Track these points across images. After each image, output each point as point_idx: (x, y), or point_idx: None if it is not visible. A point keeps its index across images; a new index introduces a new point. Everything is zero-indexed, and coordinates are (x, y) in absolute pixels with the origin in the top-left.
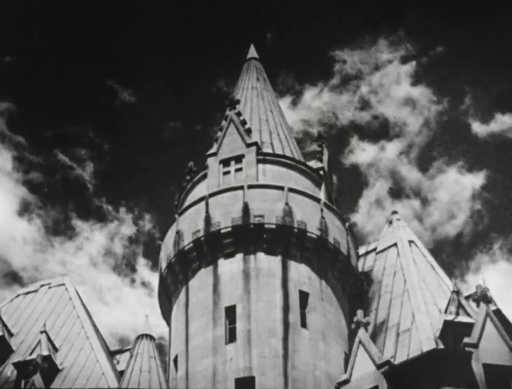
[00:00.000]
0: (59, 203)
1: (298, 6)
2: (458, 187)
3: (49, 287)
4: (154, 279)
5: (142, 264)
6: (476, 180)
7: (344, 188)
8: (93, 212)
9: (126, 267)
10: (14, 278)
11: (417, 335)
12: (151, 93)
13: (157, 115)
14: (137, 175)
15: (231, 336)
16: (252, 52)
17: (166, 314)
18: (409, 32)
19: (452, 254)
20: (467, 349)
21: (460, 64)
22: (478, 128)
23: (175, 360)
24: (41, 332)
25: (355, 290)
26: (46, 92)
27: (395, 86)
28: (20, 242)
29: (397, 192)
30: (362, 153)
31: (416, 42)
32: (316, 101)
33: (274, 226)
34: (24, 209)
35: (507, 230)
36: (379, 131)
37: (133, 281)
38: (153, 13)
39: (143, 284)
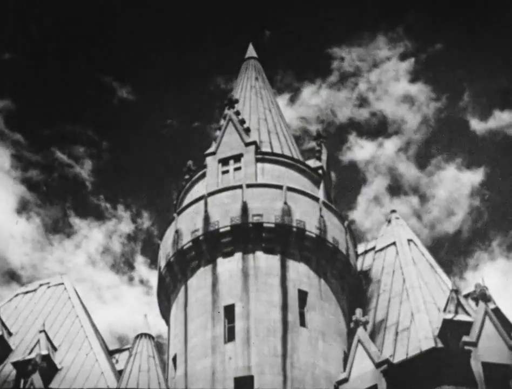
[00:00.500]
0: (57, 202)
1: (296, 3)
2: (457, 183)
3: (48, 287)
4: (152, 277)
5: (140, 262)
6: (475, 176)
7: (343, 185)
8: (91, 210)
9: (124, 265)
10: (12, 276)
11: (416, 333)
12: (149, 90)
13: (155, 113)
14: (135, 172)
15: (230, 335)
16: (251, 51)
17: (165, 313)
18: (408, 29)
19: (451, 251)
20: (466, 347)
21: (459, 61)
22: (476, 125)
23: (174, 359)
24: (40, 331)
25: (353, 289)
26: (44, 90)
27: (394, 83)
28: (18, 240)
29: (396, 189)
30: (360, 150)
31: (414, 39)
32: (314, 98)
33: (272, 225)
34: (23, 208)
35: (506, 227)
36: (378, 127)
37: (131, 279)
38: (151, 10)
39: (142, 282)
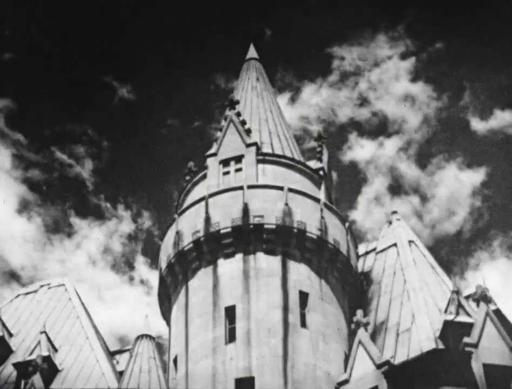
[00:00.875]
0: (58, 201)
1: (297, 2)
2: (457, 183)
3: (49, 288)
4: (152, 277)
5: (140, 262)
6: (476, 176)
7: (343, 185)
8: (91, 210)
9: (124, 265)
10: (13, 277)
11: (417, 335)
12: (149, 90)
13: (155, 112)
14: (136, 172)
15: (231, 337)
16: (252, 52)
17: (166, 314)
18: (409, 27)
19: (452, 251)
20: (467, 349)
21: (460, 60)
22: (477, 124)
23: (175, 360)
24: (41, 332)
25: (354, 290)
26: (44, 89)
27: (394, 82)
28: (19, 240)
29: (396, 188)
30: (361, 149)
31: (415, 38)
32: (315, 97)
33: (273, 226)
34: (23, 207)
35: (507, 227)
36: (378, 127)
37: (131, 279)
38: (151, 10)
39: (142, 282)
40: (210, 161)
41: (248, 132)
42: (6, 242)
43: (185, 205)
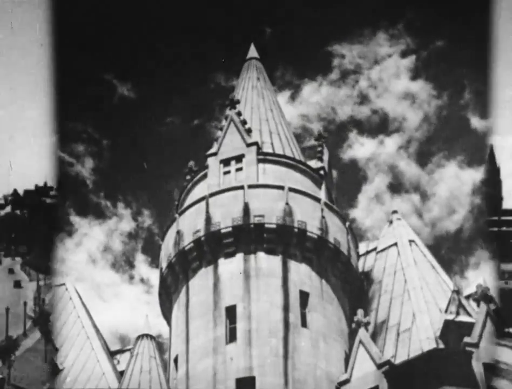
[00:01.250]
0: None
1: (297, 0)
2: (458, 181)
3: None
4: (152, 275)
5: (140, 260)
6: (476, 174)
7: (343, 183)
8: (91, 208)
9: (124, 263)
10: None
11: (418, 334)
12: (150, 88)
13: (155, 111)
14: (136, 170)
15: (231, 336)
16: (252, 51)
17: (166, 313)
18: (409, 26)
19: (452, 249)
20: (467, 348)
21: (460, 58)
22: (477, 122)
23: (176, 360)
24: None
25: (355, 290)
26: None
27: (394, 81)
28: None
29: (397, 187)
30: (361, 147)
31: (415, 36)
32: (315, 95)
33: (274, 226)
34: None
35: None
36: (379, 125)
37: (131, 277)
38: (151, 9)
39: (142, 280)
40: (210, 161)
41: (249, 131)
42: None
43: (186, 205)
